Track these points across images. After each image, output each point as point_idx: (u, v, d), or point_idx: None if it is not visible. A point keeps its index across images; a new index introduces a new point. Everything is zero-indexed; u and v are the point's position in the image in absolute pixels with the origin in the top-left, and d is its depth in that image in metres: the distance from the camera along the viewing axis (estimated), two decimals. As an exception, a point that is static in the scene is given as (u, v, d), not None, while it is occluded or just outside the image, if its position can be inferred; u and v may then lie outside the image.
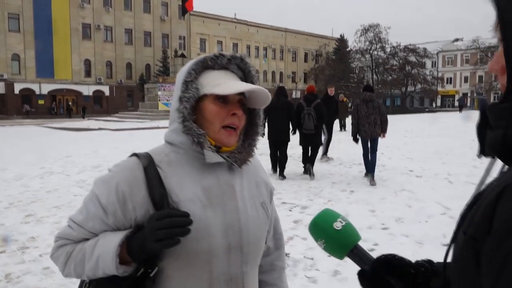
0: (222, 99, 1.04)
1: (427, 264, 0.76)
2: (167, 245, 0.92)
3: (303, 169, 8.38)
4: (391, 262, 0.75)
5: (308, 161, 8.13)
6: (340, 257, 0.81)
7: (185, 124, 1.03)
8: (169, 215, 0.94)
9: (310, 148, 8.17)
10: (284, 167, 8.02)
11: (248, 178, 1.14)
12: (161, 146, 1.10)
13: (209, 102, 1.05)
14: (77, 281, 2.83)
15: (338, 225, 0.81)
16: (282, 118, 7.75)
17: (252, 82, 1.12)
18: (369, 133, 7.44)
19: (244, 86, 1.04)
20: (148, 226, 0.94)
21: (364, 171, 7.92)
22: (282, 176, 7.90)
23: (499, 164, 0.65)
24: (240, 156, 1.09)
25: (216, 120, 1.04)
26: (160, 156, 1.06)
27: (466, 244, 0.59)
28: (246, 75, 1.13)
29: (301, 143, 8.29)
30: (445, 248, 0.66)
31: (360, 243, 0.82)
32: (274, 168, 8.23)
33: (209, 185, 1.04)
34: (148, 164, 1.03)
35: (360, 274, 0.78)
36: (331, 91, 10.55)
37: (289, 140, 7.98)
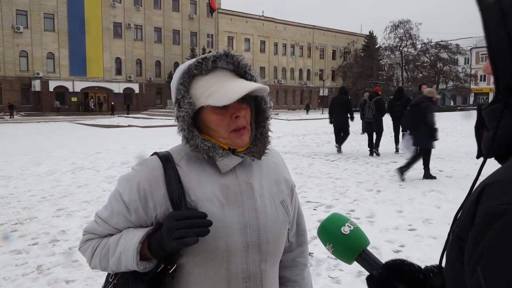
0: (221, 107, 1.01)
1: (436, 269, 0.75)
2: (185, 243, 0.94)
3: (368, 152, 10.79)
4: (400, 268, 0.74)
5: (371, 145, 10.69)
6: (348, 261, 0.81)
7: (190, 144, 1.03)
8: (188, 216, 0.95)
9: (370, 133, 10.73)
10: (344, 141, 11.30)
11: (268, 176, 1.14)
12: (180, 145, 1.10)
13: (208, 112, 1.03)
14: (103, 274, 2.90)
15: (346, 229, 0.80)
16: (341, 110, 10.91)
17: (245, 72, 1.08)
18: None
19: (237, 93, 0.97)
20: (166, 225, 0.96)
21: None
22: (339, 147, 11.20)
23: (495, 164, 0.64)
24: (256, 148, 1.08)
25: (220, 129, 1.03)
26: (179, 155, 1.08)
27: (453, 243, 0.60)
28: (237, 66, 1.07)
29: (364, 130, 11.04)
30: None
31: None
32: (338, 144, 11.31)
33: (227, 183, 1.05)
34: (167, 163, 1.05)
35: (369, 279, 0.78)
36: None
37: (348, 126, 11.01)
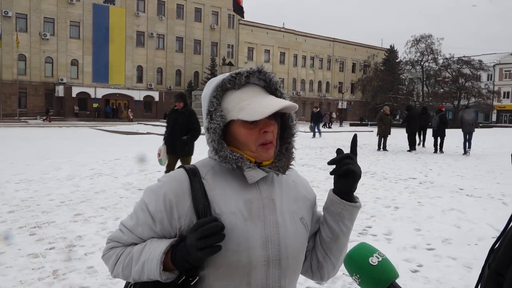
0: (250, 121, 1.04)
1: None
2: (209, 253, 0.95)
3: (433, 148, 15.61)
4: None
5: (437, 145, 15.40)
6: None
7: (220, 155, 1.06)
8: (201, 224, 0.97)
9: (438, 137, 15.29)
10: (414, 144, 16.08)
11: (288, 194, 1.15)
12: (207, 159, 1.14)
13: (238, 126, 1.06)
14: (117, 282, 2.91)
15: (374, 260, 0.78)
16: (416, 121, 16.06)
17: (275, 89, 1.12)
18: (469, 130, 14.66)
19: (269, 109, 1.01)
20: (189, 237, 0.98)
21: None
22: (414, 148, 16.01)
23: None
24: (281, 163, 1.11)
25: (249, 142, 1.06)
26: (205, 168, 1.11)
27: (490, 278, 0.57)
28: (269, 83, 1.12)
29: (432, 135, 15.48)
30: None
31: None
32: (412, 147, 15.87)
33: (251, 198, 1.07)
34: (194, 176, 1.07)
35: None
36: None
37: (416, 131, 16.18)
